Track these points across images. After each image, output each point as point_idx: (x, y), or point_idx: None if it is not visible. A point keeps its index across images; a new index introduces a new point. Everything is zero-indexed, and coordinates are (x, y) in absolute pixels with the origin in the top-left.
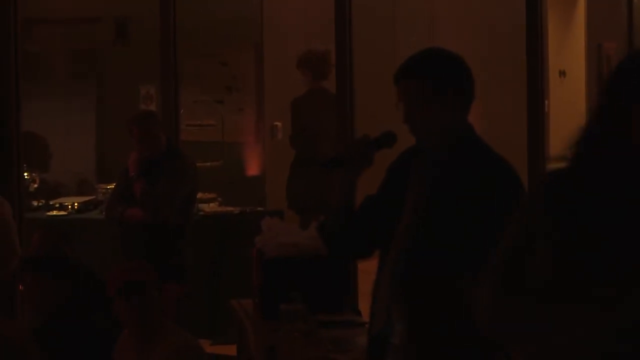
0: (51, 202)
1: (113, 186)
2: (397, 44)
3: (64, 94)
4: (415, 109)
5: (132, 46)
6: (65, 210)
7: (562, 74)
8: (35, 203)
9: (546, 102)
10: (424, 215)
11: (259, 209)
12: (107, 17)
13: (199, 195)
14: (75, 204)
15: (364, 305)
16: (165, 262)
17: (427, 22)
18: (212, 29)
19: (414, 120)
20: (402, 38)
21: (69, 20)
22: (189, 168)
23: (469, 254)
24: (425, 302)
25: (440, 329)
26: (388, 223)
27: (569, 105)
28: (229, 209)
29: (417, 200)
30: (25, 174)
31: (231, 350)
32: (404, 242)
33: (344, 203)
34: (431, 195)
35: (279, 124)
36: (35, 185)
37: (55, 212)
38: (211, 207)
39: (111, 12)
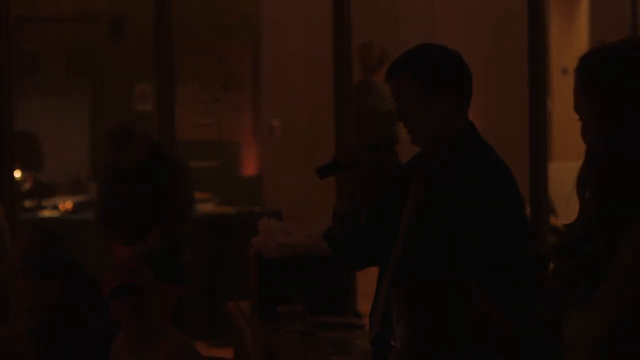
0: (44, 203)
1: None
2: (399, 42)
3: (59, 93)
4: (408, 106)
5: (128, 44)
6: (58, 211)
7: (565, 71)
8: (28, 203)
9: (549, 99)
10: (424, 216)
11: (256, 209)
12: (103, 15)
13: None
14: (68, 204)
15: (364, 306)
16: (164, 262)
17: (429, 19)
18: (209, 26)
19: (407, 118)
20: (404, 35)
21: (63, 18)
22: (184, 174)
23: (469, 256)
24: (428, 304)
25: (443, 332)
26: (390, 231)
27: (572, 103)
28: (226, 209)
29: (418, 201)
30: (18, 172)
31: (228, 352)
32: (405, 243)
33: (344, 208)
34: (431, 195)
35: (276, 122)
36: (28, 185)
37: (48, 213)
38: (207, 207)
39: (106, 10)
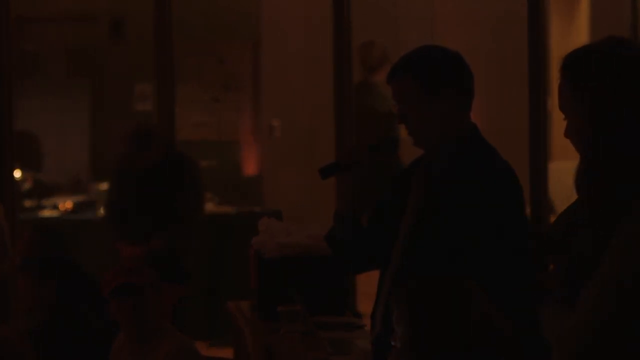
0: (44, 203)
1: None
2: (399, 42)
3: (59, 93)
4: (409, 108)
5: (128, 44)
6: (58, 211)
7: None
8: (28, 203)
9: (549, 99)
10: (424, 216)
11: (256, 209)
12: (103, 15)
13: None
14: (68, 204)
15: (364, 306)
16: (166, 262)
17: (429, 19)
18: (209, 26)
19: (408, 120)
20: (404, 35)
21: (63, 18)
22: (197, 176)
23: (470, 256)
24: (428, 304)
25: (443, 332)
26: (391, 231)
27: None
28: (226, 209)
29: (418, 201)
30: (18, 172)
31: (228, 352)
32: (405, 244)
33: (346, 210)
34: (431, 195)
35: (276, 122)
36: (28, 185)
37: (48, 213)
38: (208, 207)
39: (106, 10)
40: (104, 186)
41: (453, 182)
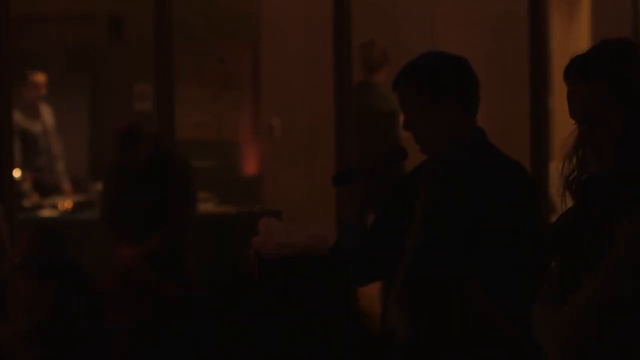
0: (44, 203)
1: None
2: (399, 42)
3: (59, 92)
4: (414, 115)
5: (127, 44)
6: (57, 211)
7: None
8: (28, 203)
9: (550, 99)
10: (431, 219)
11: (256, 209)
12: (102, 14)
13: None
14: (67, 204)
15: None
16: (165, 262)
17: (429, 19)
18: (209, 26)
19: (413, 126)
20: (404, 35)
21: (63, 18)
22: (189, 174)
23: (478, 257)
24: (430, 304)
25: (445, 332)
26: (397, 236)
27: None
28: (226, 209)
29: (425, 205)
30: (17, 171)
31: None
32: (413, 246)
33: (354, 220)
34: (437, 198)
35: (276, 122)
36: (28, 185)
37: (48, 213)
38: (207, 207)
39: (106, 9)
40: None
41: (457, 184)
